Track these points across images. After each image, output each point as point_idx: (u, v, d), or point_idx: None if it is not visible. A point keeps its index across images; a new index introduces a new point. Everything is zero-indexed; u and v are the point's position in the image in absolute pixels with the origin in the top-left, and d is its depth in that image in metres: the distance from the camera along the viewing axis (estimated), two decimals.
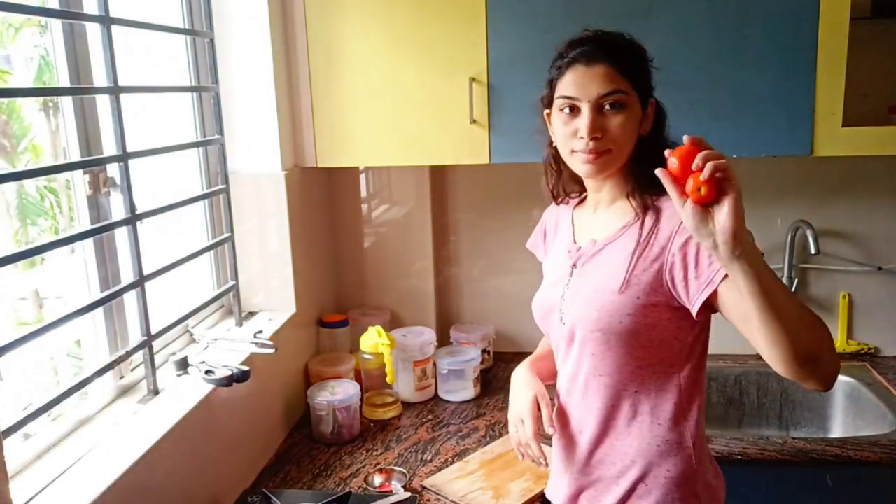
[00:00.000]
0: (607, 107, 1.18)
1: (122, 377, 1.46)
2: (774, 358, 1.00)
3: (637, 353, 1.20)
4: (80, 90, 1.35)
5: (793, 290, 2.11)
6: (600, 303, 1.20)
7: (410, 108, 1.87)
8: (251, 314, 1.91)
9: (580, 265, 1.27)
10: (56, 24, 1.31)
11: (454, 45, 1.82)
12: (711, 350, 1.28)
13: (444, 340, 2.23)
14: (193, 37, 1.75)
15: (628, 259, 1.19)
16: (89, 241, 1.39)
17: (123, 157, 1.36)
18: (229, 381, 1.47)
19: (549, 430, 1.30)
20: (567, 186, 1.36)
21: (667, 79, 1.76)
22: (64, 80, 1.33)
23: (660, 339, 1.19)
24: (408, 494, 1.53)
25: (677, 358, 1.21)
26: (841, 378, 2.07)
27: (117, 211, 1.42)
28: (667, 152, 0.97)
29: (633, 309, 1.17)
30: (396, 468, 1.65)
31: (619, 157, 1.20)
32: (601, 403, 1.24)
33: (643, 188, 1.21)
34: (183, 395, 1.43)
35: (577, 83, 1.18)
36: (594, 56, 1.18)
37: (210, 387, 1.46)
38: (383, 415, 1.92)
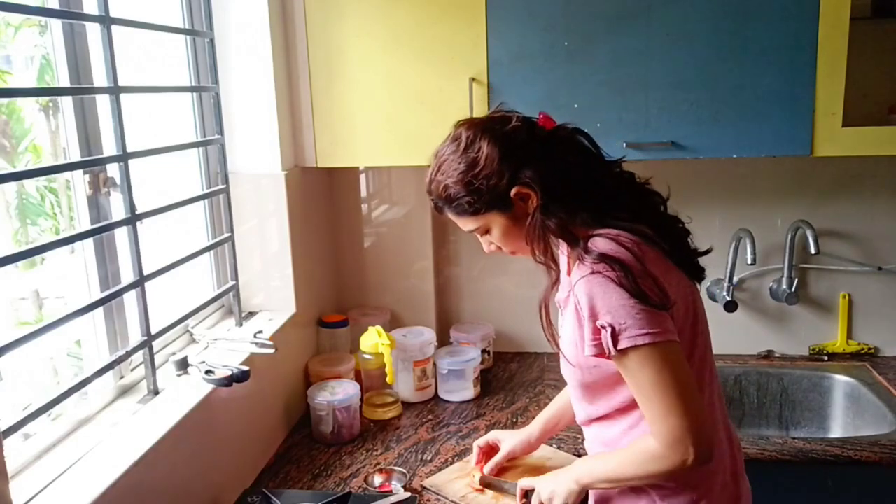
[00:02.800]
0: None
1: (122, 377, 1.46)
2: None
3: None
4: (80, 90, 1.35)
5: (793, 289, 2.11)
6: None
7: (410, 108, 1.87)
8: (251, 314, 1.91)
9: None
10: (56, 24, 1.31)
11: (454, 45, 1.82)
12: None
13: (444, 340, 2.23)
14: (193, 37, 1.75)
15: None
16: (89, 241, 1.39)
17: (123, 157, 1.36)
18: (229, 381, 1.47)
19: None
20: None
21: (667, 79, 1.79)
22: (64, 80, 1.33)
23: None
24: (408, 494, 1.53)
25: None
26: (841, 378, 2.07)
27: (117, 211, 1.41)
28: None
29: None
30: (396, 468, 1.65)
31: (523, 251, 1.26)
32: None
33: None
34: (183, 395, 1.43)
35: None
36: (440, 211, 1.30)
37: (210, 387, 1.46)
38: (383, 415, 1.92)
